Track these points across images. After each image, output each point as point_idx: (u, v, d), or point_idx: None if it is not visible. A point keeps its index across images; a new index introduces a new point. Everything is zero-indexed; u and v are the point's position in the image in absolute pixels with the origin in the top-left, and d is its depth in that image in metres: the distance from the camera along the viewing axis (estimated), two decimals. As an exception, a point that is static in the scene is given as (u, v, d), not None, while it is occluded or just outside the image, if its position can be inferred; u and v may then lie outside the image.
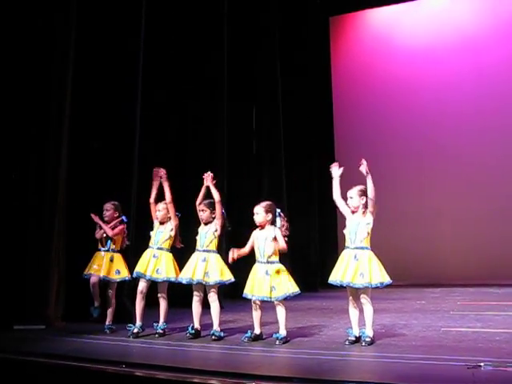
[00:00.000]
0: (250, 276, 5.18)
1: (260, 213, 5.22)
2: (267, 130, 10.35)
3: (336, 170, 5.14)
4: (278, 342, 4.98)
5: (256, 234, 5.25)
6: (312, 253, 11.07)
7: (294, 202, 10.49)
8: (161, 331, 5.60)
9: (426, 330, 5.59)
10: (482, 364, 3.76)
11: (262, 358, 4.58)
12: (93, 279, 5.79)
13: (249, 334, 5.18)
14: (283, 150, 10.56)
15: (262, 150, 10.28)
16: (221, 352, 4.83)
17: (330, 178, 11.25)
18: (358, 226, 4.89)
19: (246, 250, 5.26)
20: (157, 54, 8.37)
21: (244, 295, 5.19)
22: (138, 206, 6.78)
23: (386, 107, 11.81)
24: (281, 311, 5.09)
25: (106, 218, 5.95)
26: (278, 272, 5.07)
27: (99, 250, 5.93)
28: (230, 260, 5.21)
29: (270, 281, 5.04)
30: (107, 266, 5.84)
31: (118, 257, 5.94)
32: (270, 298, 5.03)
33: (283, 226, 5.19)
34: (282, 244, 5.11)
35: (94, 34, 7.06)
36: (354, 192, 4.99)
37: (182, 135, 8.72)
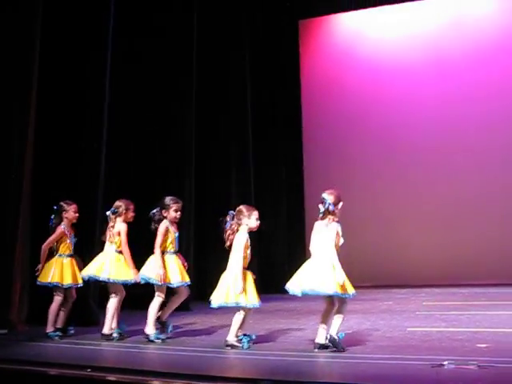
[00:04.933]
0: (246, 286, 4.87)
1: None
2: (235, 131, 10.34)
3: None
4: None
5: (247, 239, 5.02)
6: (280, 254, 11.10)
7: (262, 204, 10.50)
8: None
9: (392, 330, 5.66)
10: (445, 363, 3.83)
11: (230, 360, 4.57)
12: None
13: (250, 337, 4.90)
14: (251, 151, 10.56)
15: (230, 150, 10.25)
16: (188, 355, 4.80)
17: (297, 182, 11.36)
18: None
19: None
20: (126, 59, 8.31)
21: (253, 305, 4.87)
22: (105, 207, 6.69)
23: (355, 111, 11.91)
24: None
25: (74, 220, 5.84)
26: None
27: (65, 256, 5.76)
28: None
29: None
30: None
31: None
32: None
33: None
34: None
35: (61, 28, 6.95)
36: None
37: (151, 137, 8.64)
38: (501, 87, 11.01)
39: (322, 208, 4.71)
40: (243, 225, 5.00)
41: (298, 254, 10.28)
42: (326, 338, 4.59)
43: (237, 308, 4.89)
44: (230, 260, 5.01)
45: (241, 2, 10.59)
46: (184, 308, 7.48)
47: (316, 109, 12.14)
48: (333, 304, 4.66)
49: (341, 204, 4.73)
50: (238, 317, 4.89)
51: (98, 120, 7.02)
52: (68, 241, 5.77)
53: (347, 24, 12.50)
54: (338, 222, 4.71)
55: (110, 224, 5.65)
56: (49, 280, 5.63)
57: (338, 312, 4.62)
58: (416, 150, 11.40)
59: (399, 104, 11.67)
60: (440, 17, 11.70)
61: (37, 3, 6.43)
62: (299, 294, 4.63)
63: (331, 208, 4.66)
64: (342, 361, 4.30)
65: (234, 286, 4.82)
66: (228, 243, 5.04)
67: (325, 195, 4.72)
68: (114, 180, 7.79)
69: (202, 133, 9.42)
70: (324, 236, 4.68)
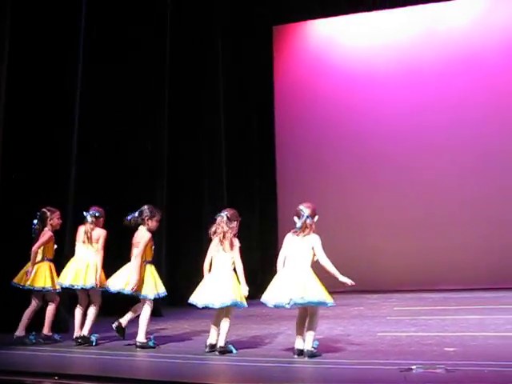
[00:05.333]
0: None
1: None
2: (208, 134, 10.30)
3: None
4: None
5: None
6: (253, 259, 11.08)
7: (235, 207, 10.48)
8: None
9: (362, 335, 5.70)
10: (413, 367, 3.87)
11: (201, 366, 4.55)
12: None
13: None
14: (224, 156, 10.52)
15: (202, 151, 10.21)
16: (161, 361, 4.76)
17: (270, 186, 11.17)
18: None
19: None
20: (98, 59, 8.24)
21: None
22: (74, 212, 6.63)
23: (328, 117, 11.99)
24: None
25: (58, 227, 5.83)
26: None
27: (48, 260, 5.74)
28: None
29: None
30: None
31: None
32: None
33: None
34: None
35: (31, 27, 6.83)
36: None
37: (123, 137, 8.56)
38: (472, 95, 11.21)
39: (298, 221, 4.66)
40: (233, 227, 5.05)
41: (270, 260, 10.30)
42: (301, 351, 4.56)
43: (226, 312, 4.91)
44: (219, 262, 5.00)
45: (214, 7, 10.57)
46: (156, 314, 7.44)
47: (289, 114, 12.20)
48: (306, 310, 4.66)
49: (316, 217, 4.72)
50: (229, 322, 4.89)
51: (68, 120, 6.93)
52: (55, 246, 5.80)
53: (321, 30, 12.59)
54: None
55: (90, 227, 5.58)
56: (43, 285, 5.61)
57: (310, 327, 4.56)
58: (387, 157, 11.52)
59: (372, 110, 11.78)
60: (412, 26, 11.88)
61: (4, 2, 6.33)
62: (287, 306, 4.52)
63: (309, 221, 4.64)
64: (312, 366, 4.33)
65: (243, 288, 4.89)
66: (218, 237, 5.01)
67: (302, 207, 4.69)
68: (84, 180, 7.71)
69: (175, 134, 9.36)
70: (300, 248, 4.64)
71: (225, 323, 4.88)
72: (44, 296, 5.72)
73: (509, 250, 10.47)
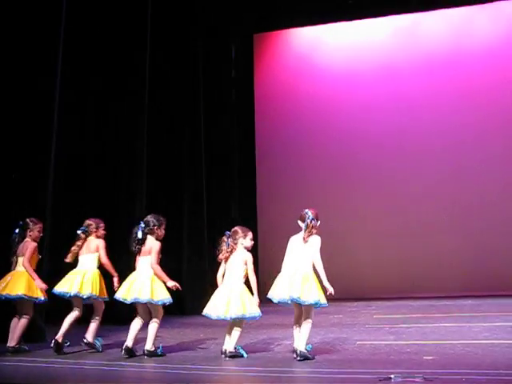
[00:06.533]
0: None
1: None
2: (188, 144, 10.23)
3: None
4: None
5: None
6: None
7: (215, 208, 10.46)
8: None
9: (341, 343, 5.68)
10: (392, 376, 3.86)
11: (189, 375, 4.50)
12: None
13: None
14: (204, 161, 10.47)
15: (182, 167, 10.15)
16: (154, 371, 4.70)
17: (250, 194, 11.03)
18: None
19: None
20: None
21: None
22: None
23: (310, 124, 12.01)
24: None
25: (37, 240, 5.79)
26: None
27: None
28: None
29: None
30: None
31: None
32: None
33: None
34: None
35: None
36: None
37: (101, 137, 8.51)
38: (449, 95, 11.30)
39: (303, 224, 5.04)
40: (239, 244, 5.16)
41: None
42: (296, 351, 4.71)
43: (235, 321, 5.00)
44: (229, 276, 5.10)
45: (193, 15, 10.53)
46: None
47: (270, 121, 12.21)
48: (301, 308, 4.91)
49: (319, 222, 5.09)
50: (239, 331, 5.02)
51: (47, 118, 6.82)
52: (39, 256, 5.79)
53: (301, 39, 12.62)
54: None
55: (78, 243, 5.57)
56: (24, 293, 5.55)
57: (305, 326, 4.81)
58: (368, 166, 11.57)
59: (354, 117, 11.76)
60: (396, 33, 11.96)
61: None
62: (289, 302, 4.85)
63: (314, 222, 4.99)
64: (291, 375, 4.30)
65: (253, 299, 5.02)
66: (224, 260, 5.15)
67: (306, 210, 5.07)
68: (62, 179, 7.66)
69: (156, 136, 9.27)
70: (304, 249, 5.02)
71: (236, 332, 5.02)
72: (19, 306, 5.62)
73: (487, 258, 10.57)
